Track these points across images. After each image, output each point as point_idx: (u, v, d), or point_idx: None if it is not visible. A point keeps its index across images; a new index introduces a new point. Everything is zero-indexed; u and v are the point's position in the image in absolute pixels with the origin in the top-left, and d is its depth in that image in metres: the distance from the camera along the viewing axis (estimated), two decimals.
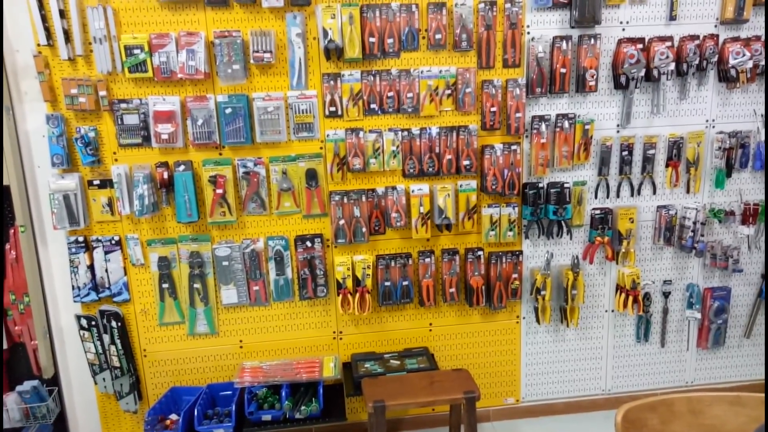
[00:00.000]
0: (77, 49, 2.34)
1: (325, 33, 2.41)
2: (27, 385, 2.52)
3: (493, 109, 2.58)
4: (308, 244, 2.61)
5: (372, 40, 2.46)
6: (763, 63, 2.62)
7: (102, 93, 2.37)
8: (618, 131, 2.71)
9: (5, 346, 2.51)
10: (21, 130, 2.41)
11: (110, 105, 2.40)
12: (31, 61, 2.36)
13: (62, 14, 2.30)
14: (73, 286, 2.53)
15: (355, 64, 2.50)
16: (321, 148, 2.56)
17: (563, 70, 2.57)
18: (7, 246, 2.44)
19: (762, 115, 2.72)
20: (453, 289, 2.71)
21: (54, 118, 2.36)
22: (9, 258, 2.44)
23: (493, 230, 2.68)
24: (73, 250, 2.49)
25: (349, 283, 2.63)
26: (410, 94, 2.53)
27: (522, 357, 2.91)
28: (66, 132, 2.40)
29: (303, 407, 2.44)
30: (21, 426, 2.53)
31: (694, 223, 2.73)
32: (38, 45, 2.33)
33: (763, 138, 2.72)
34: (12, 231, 2.43)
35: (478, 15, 2.50)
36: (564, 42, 2.54)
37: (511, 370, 2.92)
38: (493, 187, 2.62)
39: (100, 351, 2.59)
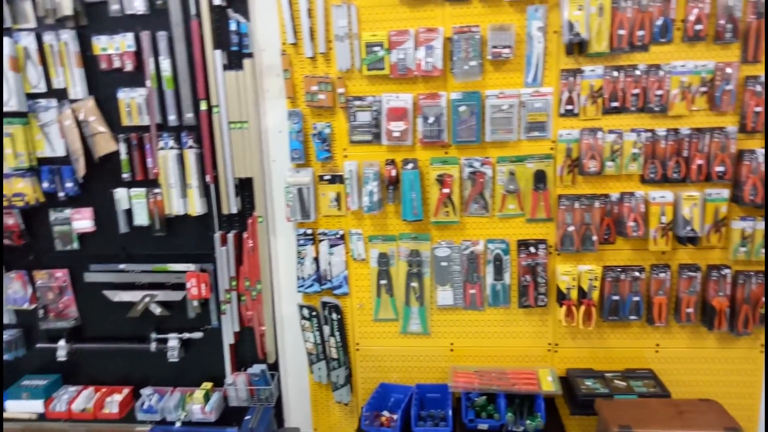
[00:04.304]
0: (320, 46, 2.39)
1: (571, 26, 2.25)
2: (256, 368, 2.66)
3: (757, 109, 2.26)
4: (532, 249, 2.48)
5: (621, 32, 2.25)
6: None
7: (340, 90, 2.41)
8: None
9: (236, 329, 2.66)
10: (262, 126, 2.52)
11: (346, 102, 2.43)
12: (274, 60, 2.46)
13: (309, 13, 2.36)
14: (298, 277, 2.62)
15: (596, 58, 2.32)
16: (552, 148, 2.41)
17: None
18: (245, 235, 2.58)
19: None
20: (690, 309, 2.44)
21: (295, 114, 2.44)
22: (246, 246, 2.57)
23: (743, 246, 2.36)
24: (302, 242, 2.57)
25: (574, 294, 2.46)
26: (659, 92, 2.30)
27: (762, 392, 2.55)
28: (303, 128, 2.47)
29: (528, 421, 2.32)
30: (247, 406, 2.67)
31: None
32: (284, 44, 2.42)
33: None
34: (250, 221, 2.56)
35: (747, 1, 2.20)
36: None
37: (749, 404, 2.57)
38: (751, 197, 2.30)
39: (319, 341, 2.66)
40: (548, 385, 2.46)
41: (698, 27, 2.23)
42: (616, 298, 2.47)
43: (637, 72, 2.30)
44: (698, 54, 2.28)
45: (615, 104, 2.34)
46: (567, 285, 2.46)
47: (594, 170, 2.36)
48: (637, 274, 2.45)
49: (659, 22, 2.25)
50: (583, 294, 2.46)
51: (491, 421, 2.38)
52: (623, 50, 2.29)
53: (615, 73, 2.31)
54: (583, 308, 2.45)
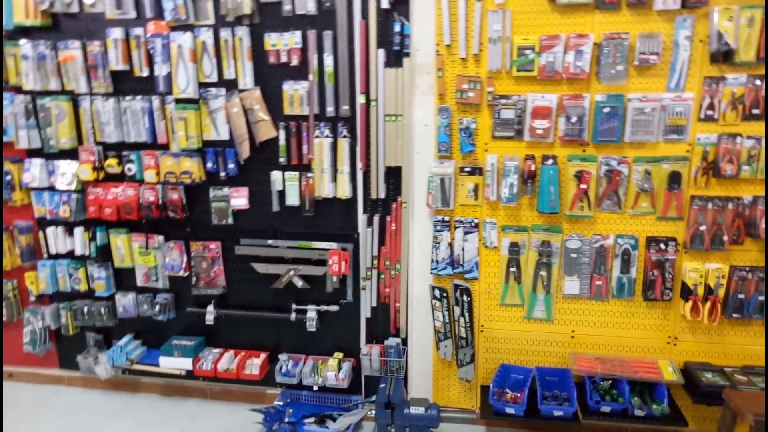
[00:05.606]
0: (473, 48, 2.58)
1: (720, 36, 2.37)
2: (392, 341, 2.89)
3: None
4: (661, 246, 2.62)
5: None
6: None
7: (489, 89, 2.60)
8: None
9: (374, 303, 2.90)
10: (411, 120, 2.74)
11: (492, 100, 2.62)
12: (426, 59, 2.66)
13: (465, 17, 2.55)
14: (432, 260, 2.83)
15: (740, 67, 2.43)
16: (688, 151, 2.54)
17: None
18: (388, 218, 2.81)
19: None
20: None
21: (444, 110, 2.65)
22: (389, 229, 2.81)
23: None
24: (439, 227, 2.78)
25: (700, 290, 2.59)
26: None
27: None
28: (450, 123, 2.67)
29: (654, 406, 2.47)
30: (379, 375, 2.91)
31: None
32: (438, 45, 2.62)
33: None
34: (395, 206, 2.78)
35: None
36: None
37: None
38: None
39: (447, 320, 2.87)
40: (669, 374, 2.60)
41: None
42: (741, 296, 2.59)
43: None
44: None
45: (756, 111, 2.45)
46: (694, 281, 2.59)
47: (731, 173, 2.49)
48: (762, 274, 2.56)
49: None
50: (709, 291, 2.59)
51: (615, 404, 2.54)
52: None
53: (758, 82, 2.42)
54: (708, 304, 2.58)
